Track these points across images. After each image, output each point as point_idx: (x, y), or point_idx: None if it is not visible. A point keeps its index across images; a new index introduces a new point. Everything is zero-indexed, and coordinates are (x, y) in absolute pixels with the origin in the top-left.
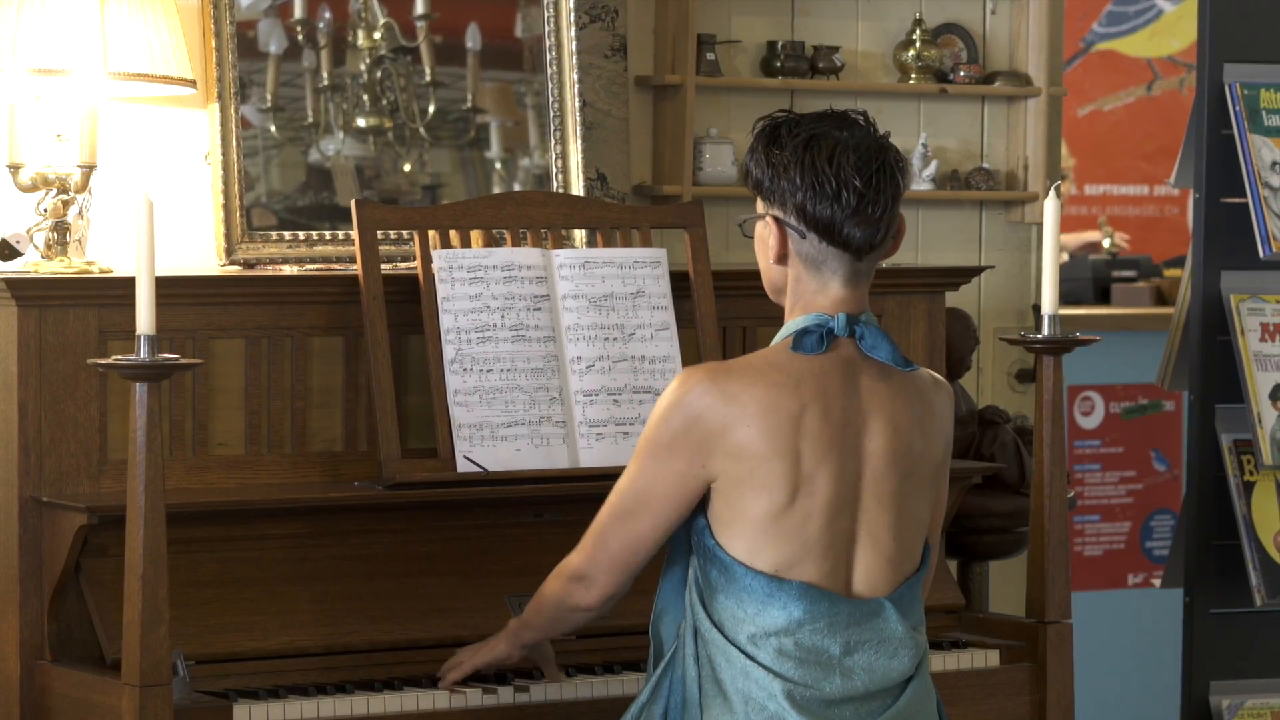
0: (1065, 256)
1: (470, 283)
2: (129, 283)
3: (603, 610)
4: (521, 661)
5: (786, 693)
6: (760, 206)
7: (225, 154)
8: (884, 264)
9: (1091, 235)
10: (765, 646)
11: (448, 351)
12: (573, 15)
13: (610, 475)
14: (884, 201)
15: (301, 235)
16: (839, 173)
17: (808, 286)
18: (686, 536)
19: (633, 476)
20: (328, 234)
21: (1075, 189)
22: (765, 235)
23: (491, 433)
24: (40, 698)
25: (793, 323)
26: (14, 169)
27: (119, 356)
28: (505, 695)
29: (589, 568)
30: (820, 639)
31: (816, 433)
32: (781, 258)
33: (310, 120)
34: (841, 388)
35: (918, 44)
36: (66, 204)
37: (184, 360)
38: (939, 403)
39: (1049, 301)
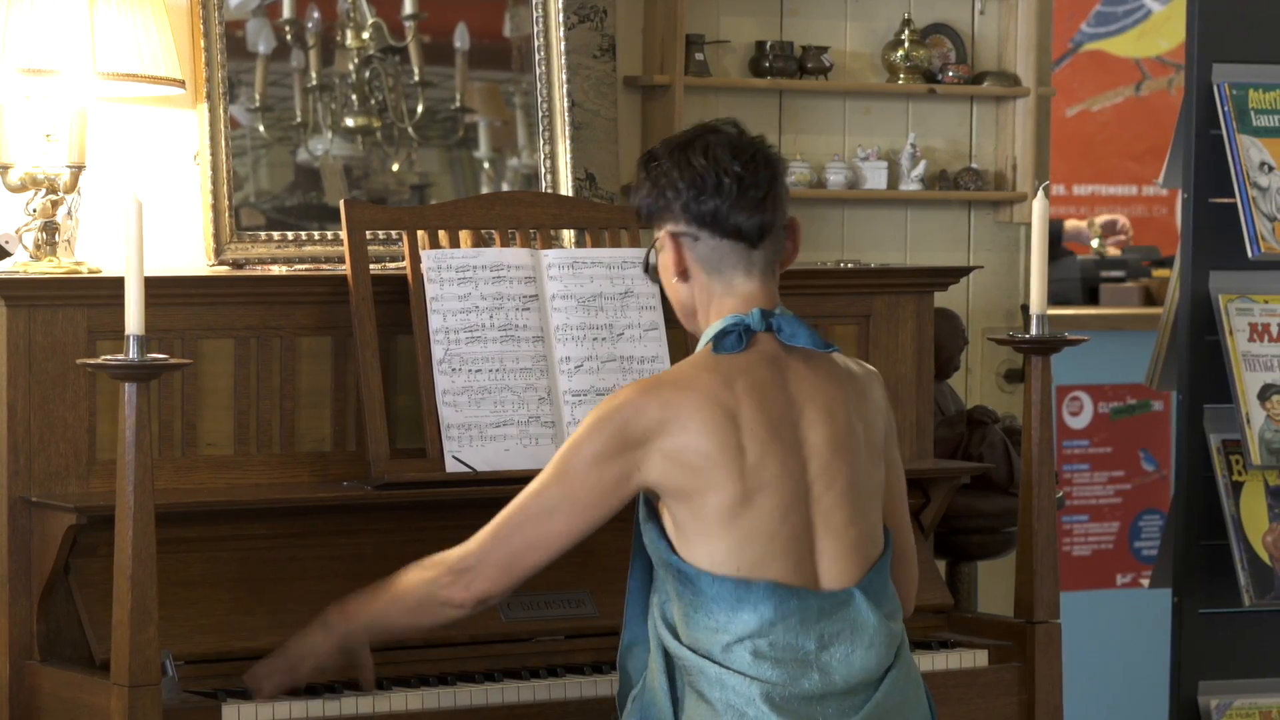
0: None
1: (459, 283)
2: (118, 283)
3: (471, 613)
4: (339, 666)
5: (764, 695)
6: (655, 235)
7: (214, 154)
8: (871, 265)
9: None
10: (739, 651)
11: (436, 352)
12: (561, 15)
13: None
14: (763, 183)
15: (290, 235)
16: (715, 164)
17: (713, 292)
18: (647, 563)
19: (554, 477)
20: (316, 234)
21: (1060, 190)
22: (666, 260)
23: (480, 433)
24: (29, 698)
25: (710, 328)
26: (3, 169)
27: (108, 357)
28: (481, 695)
29: (477, 561)
30: (794, 636)
31: (754, 427)
32: (683, 272)
33: (299, 120)
34: (771, 380)
35: (906, 44)
36: (55, 204)
37: (173, 360)
38: (871, 386)
39: (1037, 301)
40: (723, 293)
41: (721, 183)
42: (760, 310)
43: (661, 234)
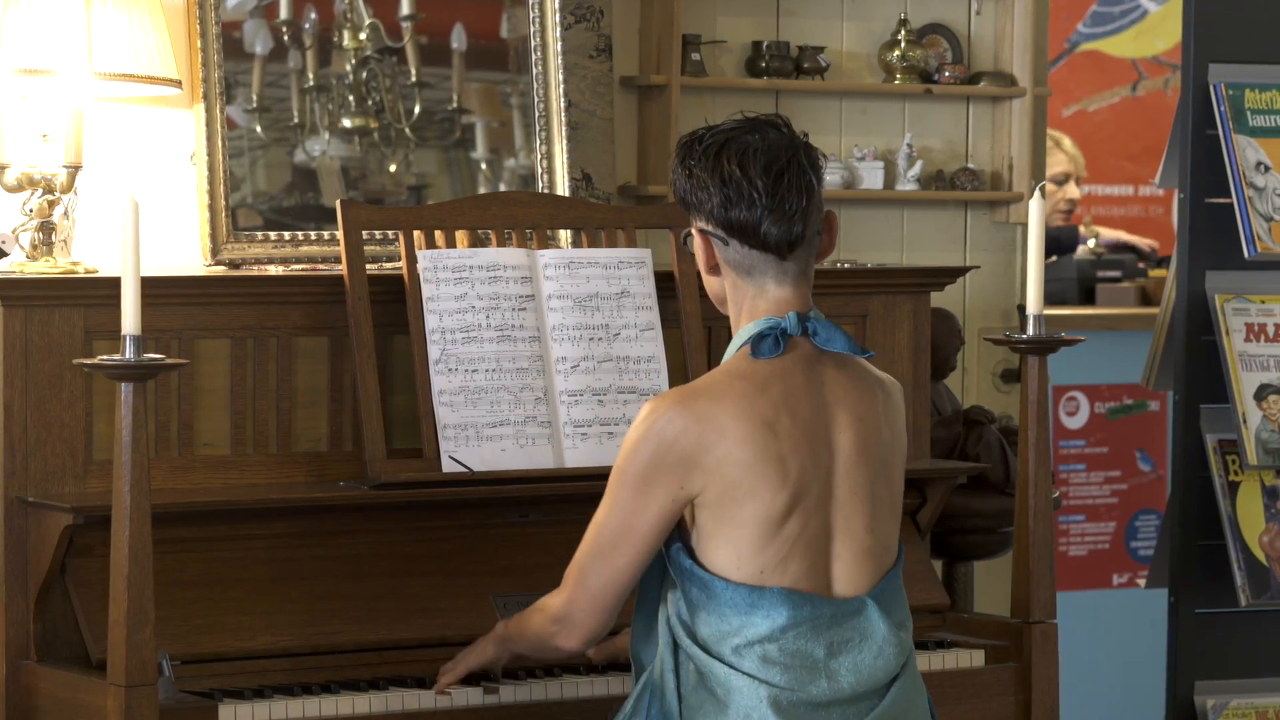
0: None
1: (455, 283)
2: (114, 283)
3: (586, 648)
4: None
5: (771, 699)
6: (691, 220)
7: (210, 154)
8: (867, 264)
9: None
10: (749, 655)
11: (433, 352)
12: (558, 16)
13: (595, 475)
14: (795, 198)
15: (287, 235)
16: (748, 175)
17: (745, 293)
18: (658, 557)
19: (609, 511)
20: (313, 234)
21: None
22: (698, 251)
23: (476, 433)
24: (26, 698)
25: (745, 329)
26: None
27: (105, 357)
28: (477, 696)
29: (569, 609)
30: (804, 643)
31: (789, 432)
32: (713, 268)
33: (296, 120)
34: (805, 384)
35: (903, 44)
36: (52, 204)
37: (169, 360)
38: (896, 399)
39: (1034, 301)
40: (754, 295)
41: (752, 196)
42: (796, 314)
43: (694, 226)
